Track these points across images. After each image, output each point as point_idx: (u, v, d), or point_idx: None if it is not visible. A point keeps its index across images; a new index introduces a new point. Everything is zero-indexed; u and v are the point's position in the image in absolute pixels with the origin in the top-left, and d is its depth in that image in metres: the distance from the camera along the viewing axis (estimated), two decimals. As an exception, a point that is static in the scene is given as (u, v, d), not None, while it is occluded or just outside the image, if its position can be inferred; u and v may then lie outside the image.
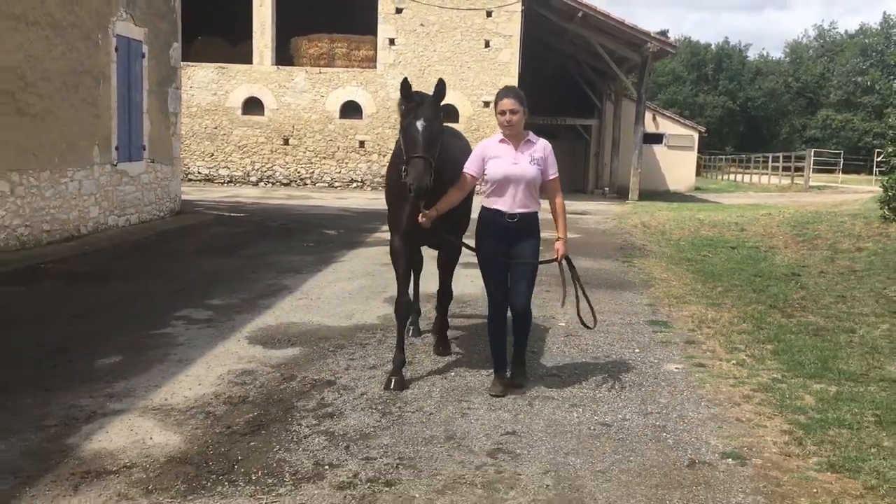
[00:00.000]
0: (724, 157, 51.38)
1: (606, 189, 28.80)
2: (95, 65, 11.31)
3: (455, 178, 4.88)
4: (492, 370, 5.02)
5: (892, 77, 53.91)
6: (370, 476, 3.61)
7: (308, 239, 12.23)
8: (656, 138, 32.74)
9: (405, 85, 4.67)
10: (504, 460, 3.84)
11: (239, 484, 3.50)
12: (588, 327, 5.13)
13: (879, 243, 11.71)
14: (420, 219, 4.67)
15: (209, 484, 3.49)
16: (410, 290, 5.67)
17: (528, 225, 4.82)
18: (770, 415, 4.54)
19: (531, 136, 4.88)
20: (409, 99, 4.68)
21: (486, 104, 22.83)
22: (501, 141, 4.83)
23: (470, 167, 4.86)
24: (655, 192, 28.80)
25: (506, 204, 4.76)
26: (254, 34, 23.85)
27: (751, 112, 63.66)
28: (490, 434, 4.18)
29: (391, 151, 5.58)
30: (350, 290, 8.06)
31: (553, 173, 4.88)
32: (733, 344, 6.16)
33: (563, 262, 4.89)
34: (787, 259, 11.16)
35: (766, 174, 37.82)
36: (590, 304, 5.00)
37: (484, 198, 4.90)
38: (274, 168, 24.29)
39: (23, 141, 9.68)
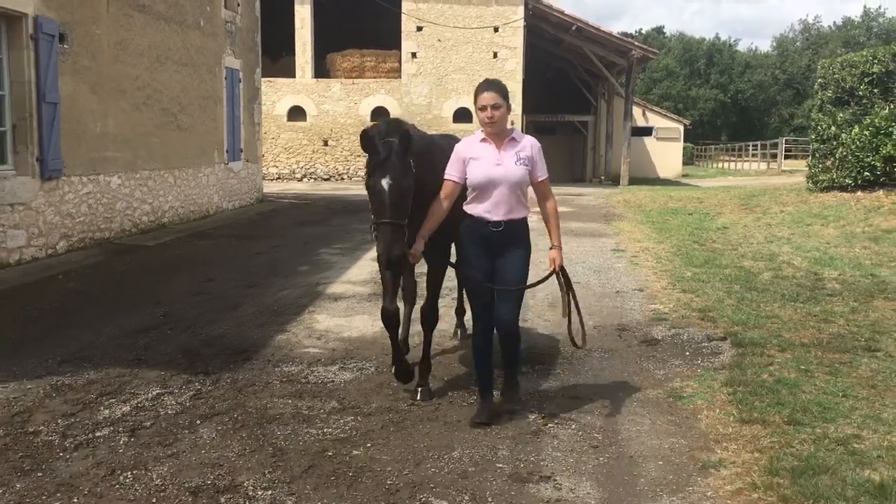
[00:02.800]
0: (714, 146, 55.38)
1: (602, 177, 32.90)
2: (214, 90, 15.47)
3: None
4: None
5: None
6: (465, 297, 7.79)
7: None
8: (646, 131, 36.79)
9: (365, 137, 4.19)
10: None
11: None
12: (577, 346, 4.71)
13: (798, 207, 15.77)
14: (411, 259, 4.35)
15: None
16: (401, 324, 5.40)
17: (515, 234, 4.38)
18: (664, 278, 8.69)
19: (516, 133, 4.46)
20: (373, 152, 4.17)
21: (496, 106, 26.89)
22: (483, 140, 4.41)
23: (451, 172, 4.41)
24: (646, 179, 32.84)
25: (489, 210, 4.33)
26: (296, 52, 28.00)
27: (741, 104, 67.63)
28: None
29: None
30: (418, 240, 12.24)
31: (542, 174, 4.43)
32: (659, 258, 10.28)
33: (560, 274, 4.46)
34: (727, 220, 15.23)
35: (748, 161, 41.88)
36: (581, 322, 4.65)
37: (465, 204, 4.44)
38: (315, 166, 28.47)
39: (179, 148, 13.84)
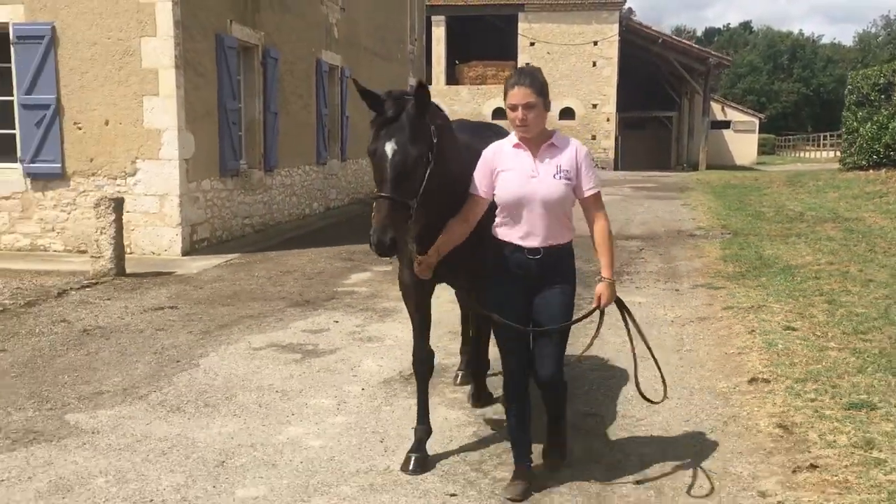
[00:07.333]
0: (794, 136, 59.71)
1: (685, 164, 38.55)
2: (402, 102, 22.26)
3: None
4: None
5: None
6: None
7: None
8: (725, 124, 42.09)
9: (362, 89, 3.43)
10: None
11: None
12: (650, 401, 3.82)
13: (826, 182, 21.46)
14: (416, 268, 3.50)
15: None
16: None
17: (556, 263, 3.52)
18: (708, 215, 14.94)
19: (556, 137, 3.53)
20: (378, 108, 3.34)
21: (594, 106, 33.15)
22: (515, 146, 3.52)
23: (477, 185, 3.54)
24: (723, 166, 38.25)
25: (523, 235, 3.47)
26: (432, 63, 34.82)
27: (824, 96, 71.14)
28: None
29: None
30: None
31: (591, 187, 3.51)
32: (710, 208, 16.44)
33: (617, 310, 3.67)
34: (772, 190, 21.09)
35: (823, 150, 46.58)
36: (658, 367, 3.84)
37: (494, 227, 3.58)
38: (446, 156, 35.20)
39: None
